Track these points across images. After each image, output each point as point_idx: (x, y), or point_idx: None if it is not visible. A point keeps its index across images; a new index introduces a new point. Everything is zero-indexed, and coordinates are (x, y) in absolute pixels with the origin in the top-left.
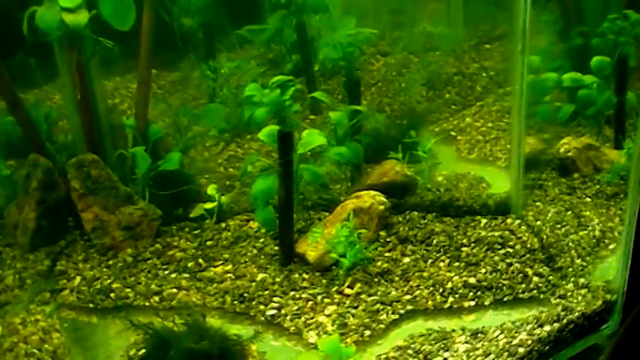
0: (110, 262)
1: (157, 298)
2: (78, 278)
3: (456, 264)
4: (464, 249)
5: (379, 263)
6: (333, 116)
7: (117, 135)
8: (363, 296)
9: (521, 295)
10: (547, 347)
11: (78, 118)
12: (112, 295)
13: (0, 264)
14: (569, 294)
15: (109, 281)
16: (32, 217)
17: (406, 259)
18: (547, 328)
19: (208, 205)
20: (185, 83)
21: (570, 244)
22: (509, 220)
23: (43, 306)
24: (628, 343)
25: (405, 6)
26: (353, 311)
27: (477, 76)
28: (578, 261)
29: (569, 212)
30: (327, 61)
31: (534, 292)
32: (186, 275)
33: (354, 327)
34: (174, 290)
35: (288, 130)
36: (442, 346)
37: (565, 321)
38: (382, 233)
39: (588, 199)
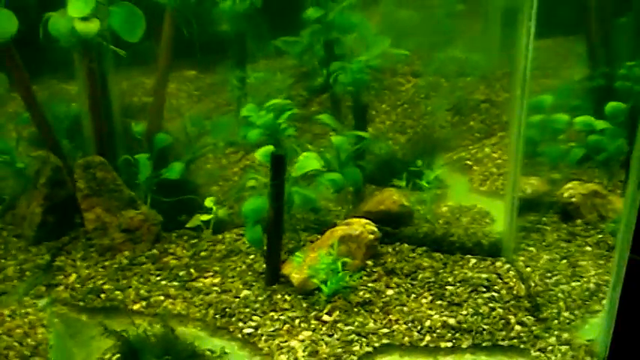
0: (107, 263)
1: (144, 304)
2: (74, 275)
3: (439, 302)
4: (448, 287)
5: (362, 293)
6: (334, 141)
7: (129, 137)
8: (339, 325)
9: (500, 342)
10: None
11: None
12: (102, 295)
13: (5, 254)
14: (549, 348)
15: (102, 281)
16: (38, 212)
17: (389, 292)
18: None
19: (205, 217)
20: (221, 88)
21: (560, 294)
22: (498, 263)
23: (36, 299)
24: None
25: (444, 27)
26: (327, 339)
27: (506, 105)
28: (566, 314)
29: (564, 260)
30: (338, 85)
31: (515, 340)
32: (176, 284)
33: (324, 356)
34: (162, 297)
35: (280, 152)
36: None
37: None
38: (369, 262)
39: (588, 248)
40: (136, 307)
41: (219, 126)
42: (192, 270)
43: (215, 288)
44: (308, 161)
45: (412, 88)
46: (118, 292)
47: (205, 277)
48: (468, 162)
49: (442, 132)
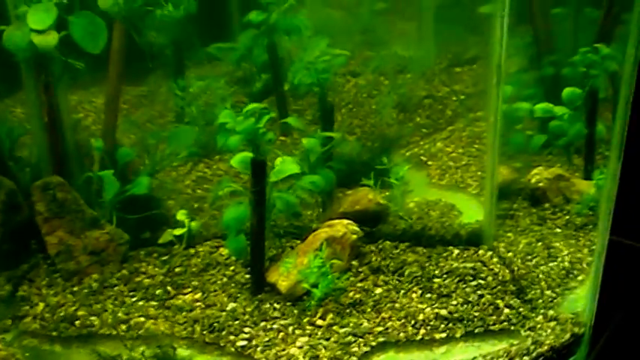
0: (75, 288)
1: (123, 327)
2: (41, 305)
3: (428, 295)
4: (436, 280)
5: (351, 294)
6: (306, 143)
7: (83, 154)
8: (334, 327)
9: (492, 327)
10: None
11: (43, 137)
12: (76, 322)
13: None
14: (538, 326)
15: (73, 308)
16: None
17: (378, 290)
18: None
19: (178, 232)
20: (151, 99)
21: (540, 275)
22: (481, 252)
23: (3, 334)
24: None
25: (375, 25)
26: (325, 343)
27: (448, 99)
28: (548, 292)
29: (540, 243)
30: (301, 86)
31: (505, 323)
32: (154, 303)
33: (325, 359)
34: (142, 319)
35: (261, 158)
36: None
37: (535, 354)
38: (354, 263)
39: (558, 230)
40: (115, 331)
41: (177, 136)
42: (169, 287)
43: (198, 303)
44: (287, 165)
45: (353, 87)
46: (93, 318)
47: (185, 294)
48: (423, 158)
49: (391, 130)
